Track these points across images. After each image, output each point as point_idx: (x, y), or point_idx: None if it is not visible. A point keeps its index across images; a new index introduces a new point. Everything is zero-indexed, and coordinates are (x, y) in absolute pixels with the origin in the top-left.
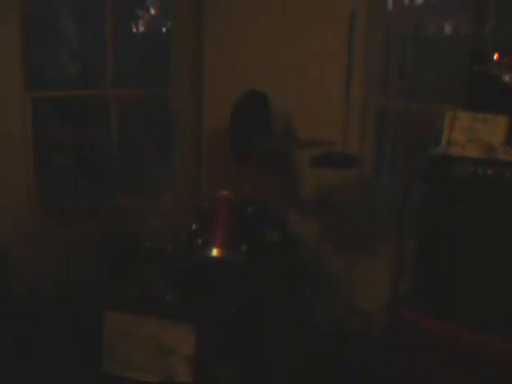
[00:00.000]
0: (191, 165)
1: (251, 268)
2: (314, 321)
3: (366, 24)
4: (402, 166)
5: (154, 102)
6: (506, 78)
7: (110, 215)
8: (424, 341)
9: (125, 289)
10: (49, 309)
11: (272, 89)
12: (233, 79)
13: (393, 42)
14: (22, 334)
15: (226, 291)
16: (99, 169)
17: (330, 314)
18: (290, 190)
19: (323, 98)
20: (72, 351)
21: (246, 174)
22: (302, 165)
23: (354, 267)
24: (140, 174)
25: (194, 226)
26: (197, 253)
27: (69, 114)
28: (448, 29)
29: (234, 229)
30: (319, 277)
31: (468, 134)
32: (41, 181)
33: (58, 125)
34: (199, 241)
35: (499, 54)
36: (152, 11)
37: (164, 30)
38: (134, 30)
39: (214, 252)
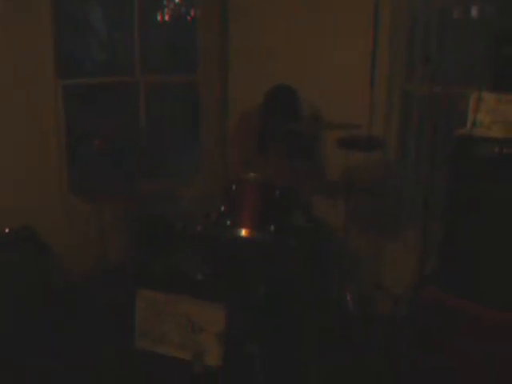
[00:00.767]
0: (218, 149)
1: (279, 249)
2: (340, 302)
3: (391, 10)
4: (427, 148)
5: (182, 88)
6: None
7: (143, 198)
8: (449, 320)
9: (157, 268)
10: (85, 287)
11: (298, 76)
12: (258, 66)
13: (417, 26)
14: (60, 314)
15: (255, 271)
16: (130, 155)
17: (357, 294)
18: (317, 173)
19: (349, 84)
20: (107, 328)
21: (271, 160)
22: (329, 148)
23: (380, 249)
24: (170, 159)
25: (222, 208)
26: (226, 233)
27: (99, 101)
28: (474, 12)
29: (262, 210)
30: (345, 259)
31: (493, 115)
32: (72, 167)
33: (89, 112)
34: (228, 222)
35: None
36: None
37: (188, 18)
38: (160, 18)
39: (243, 232)
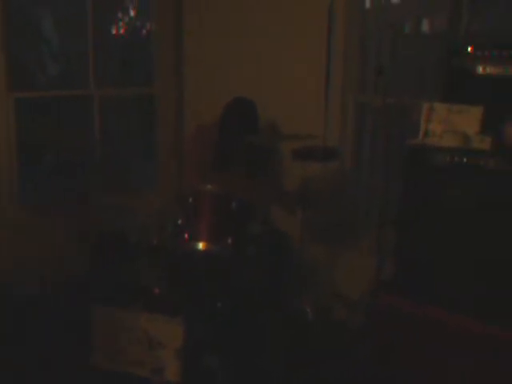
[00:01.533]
0: (174, 162)
1: (236, 261)
2: (299, 310)
3: (345, 23)
4: (381, 158)
5: (137, 101)
6: (480, 69)
7: (97, 212)
8: (405, 325)
9: (113, 283)
10: (37, 306)
11: (254, 88)
12: (214, 79)
13: (370, 40)
14: (9, 333)
15: (213, 284)
16: (84, 168)
17: (315, 303)
18: (274, 184)
19: (304, 96)
20: (61, 345)
21: (228, 172)
22: (286, 159)
23: (337, 257)
24: (125, 172)
25: (179, 221)
26: (183, 246)
27: (52, 114)
28: (425, 26)
29: (219, 223)
30: (303, 267)
31: (444, 124)
32: (24, 181)
33: (42, 125)
34: (185, 235)
35: (473, 48)
36: (132, 13)
37: (144, 31)
38: (115, 31)
39: (200, 245)
